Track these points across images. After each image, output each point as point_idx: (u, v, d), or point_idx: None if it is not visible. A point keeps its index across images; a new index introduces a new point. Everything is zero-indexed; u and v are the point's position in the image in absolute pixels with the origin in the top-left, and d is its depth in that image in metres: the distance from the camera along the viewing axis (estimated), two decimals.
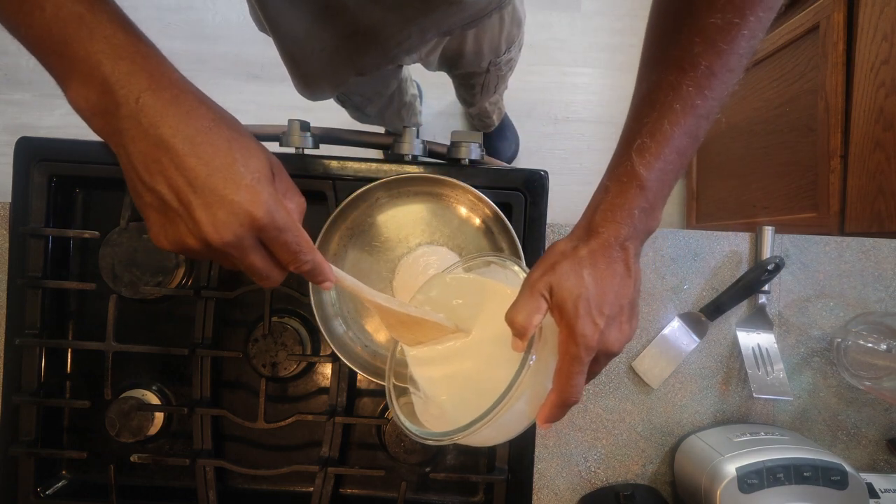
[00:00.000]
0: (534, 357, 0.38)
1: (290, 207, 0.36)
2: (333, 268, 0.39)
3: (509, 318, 0.39)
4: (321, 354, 0.64)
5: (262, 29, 0.65)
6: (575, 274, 0.37)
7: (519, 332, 0.38)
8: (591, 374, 0.40)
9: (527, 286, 0.39)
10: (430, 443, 0.41)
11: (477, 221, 0.61)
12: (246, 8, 0.63)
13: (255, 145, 0.33)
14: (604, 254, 0.38)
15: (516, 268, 0.45)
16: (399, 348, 0.49)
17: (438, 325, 0.46)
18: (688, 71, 0.36)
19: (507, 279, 0.47)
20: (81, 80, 0.30)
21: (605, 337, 0.38)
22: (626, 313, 0.39)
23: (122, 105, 0.30)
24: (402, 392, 0.46)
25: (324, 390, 0.65)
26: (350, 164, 0.62)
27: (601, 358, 0.39)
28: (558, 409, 0.39)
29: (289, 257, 0.35)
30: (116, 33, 0.30)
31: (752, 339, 0.65)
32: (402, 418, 0.43)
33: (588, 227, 0.39)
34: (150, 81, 0.30)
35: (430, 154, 0.66)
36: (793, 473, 0.54)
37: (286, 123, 0.63)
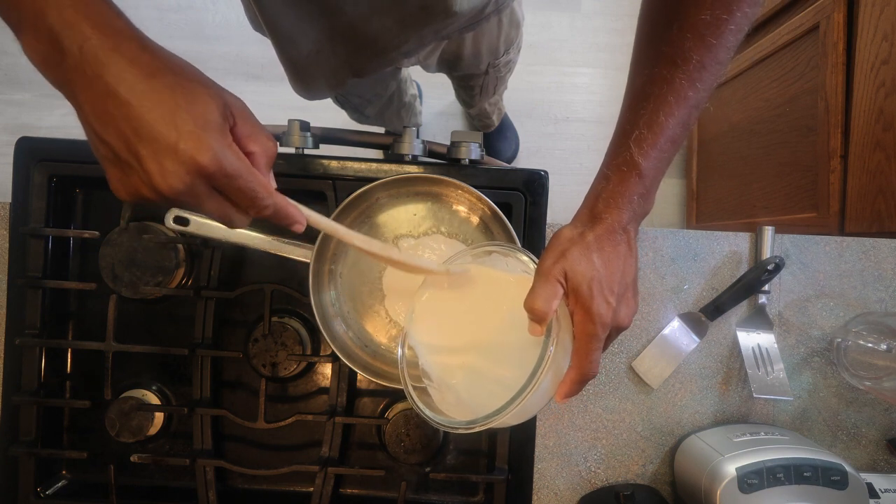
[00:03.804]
0: (554, 341, 0.40)
1: (254, 151, 0.35)
2: (304, 209, 0.39)
3: (528, 306, 0.40)
4: (321, 354, 0.64)
5: (257, 29, 0.65)
6: (586, 259, 0.40)
7: (539, 317, 0.40)
8: (604, 348, 0.42)
9: (541, 274, 0.40)
10: (459, 431, 0.42)
11: (477, 221, 0.61)
12: None
13: (204, 90, 0.32)
14: (609, 238, 0.41)
15: (525, 257, 0.45)
16: (407, 348, 0.49)
17: (422, 268, 0.47)
18: (680, 65, 0.39)
19: (508, 267, 0.48)
20: (31, 31, 0.30)
21: (617, 314, 0.41)
22: (631, 289, 0.42)
23: (67, 54, 0.29)
24: (419, 390, 0.47)
25: (324, 390, 0.65)
26: (350, 164, 0.62)
27: (613, 333, 0.42)
28: (578, 384, 0.41)
29: (246, 203, 0.34)
30: None
31: (752, 339, 0.65)
32: (427, 411, 0.44)
33: (591, 213, 0.42)
34: (93, 30, 0.30)
35: (430, 154, 0.66)
36: (793, 473, 0.54)
37: (286, 123, 0.63)
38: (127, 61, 0.30)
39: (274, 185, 0.37)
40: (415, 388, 0.47)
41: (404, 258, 0.46)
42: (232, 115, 0.34)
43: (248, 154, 0.35)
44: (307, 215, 0.39)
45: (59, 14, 0.29)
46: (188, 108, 0.31)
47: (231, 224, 0.36)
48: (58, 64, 0.30)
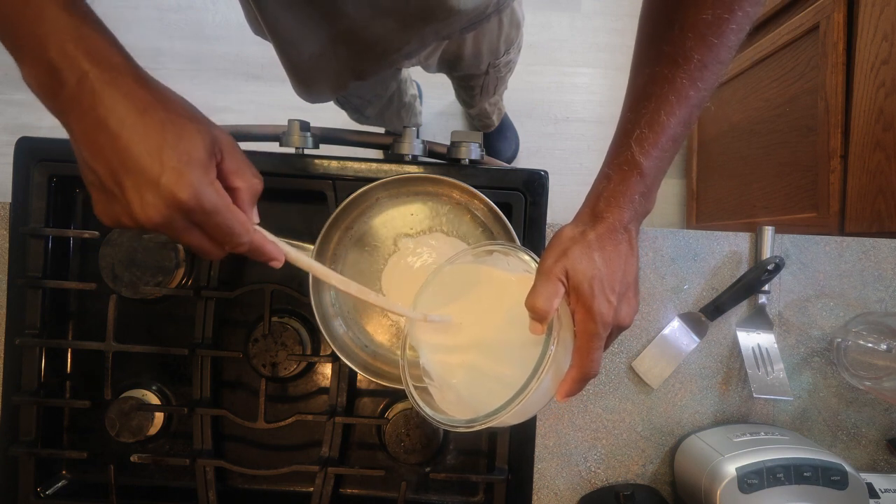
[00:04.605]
0: (555, 340, 0.40)
1: (239, 187, 0.36)
2: (284, 246, 0.40)
3: (530, 304, 0.40)
4: (321, 354, 0.64)
5: (258, 33, 0.65)
6: (587, 257, 0.40)
7: (540, 316, 0.40)
8: (605, 347, 0.42)
9: (542, 272, 0.41)
10: (460, 430, 0.42)
11: (477, 221, 0.61)
12: None
13: (193, 126, 0.33)
14: (610, 237, 0.41)
15: (526, 257, 0.45)
16: (408, 347, 0.49)
17: (398, 313, 0.48)
18: (681, 64, 0.39)
19: (509, 266, 0.48)
20: (31, 61, 0.31)
21: (618, 313, 0.41)
22: (632, 289, 0.42)
23: (65, 86, 0.31)
24: (420, 389, 0.47)
25: (324, 390, 0.65)
26: (350, 164, 0.62)
27: (614, 332, 0.42)
28: (579, 383, 0.41)
29: (223, 239, 0.35)
30: (60, 16, 0.30)
31: (752, 339, 0.65)
32: (426, 409, 0.44)
33: (593, 212, 0.42)
34: (92, 64, 0.31)
35: (430, 154, 0.66)
36: (793, 473, 0.54)
37: (286, 123, 0.63)
38: (121, 95, 0.31)
39: (256, 219, 0.38)
40: (415, 387, 0.47)
41: (381, 302, 0.46)
42: (220, 150, 0.35)
43: (232, 189, 0.36)
44: (286, 252, 0.40)
45: (59, 48, 0.30)
46: (175, 144, 0.32)
47: (206, 256, 0.37)
48: (55, 94, 0.31)
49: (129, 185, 0.32)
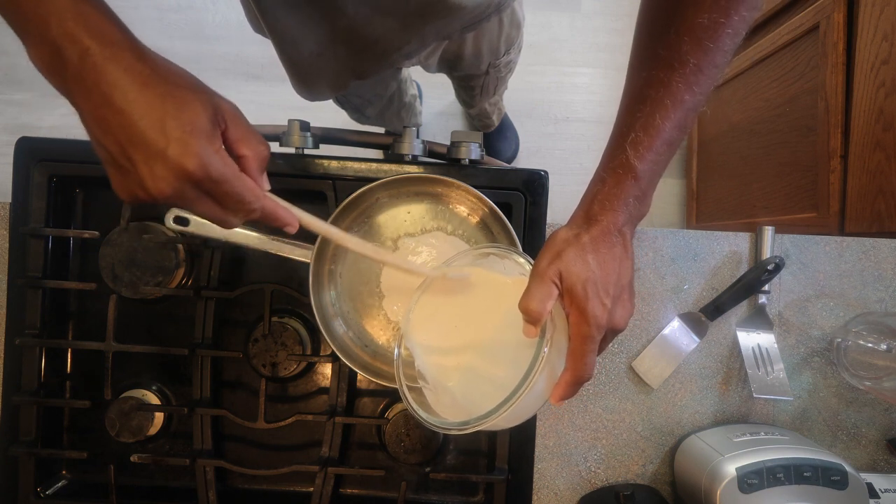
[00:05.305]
0: (548, 342, 0.40)
1: (245, 155, 0.36)
2: (297, 211, 0.40)
3: (523, 307, 0.40)
4: (321, 354, 0.64)
5: (258, 31, 0.65)
6: (581, 260, 0.40)
7: (534, 318, 0.40)
8: (600, 350, 0.42)
9: (536, 275, 0.41)
10: (453, 432, 0.42)
11: (477, 221, 0.61)
12: None
13: (194, 97, 0.33)
14: (604, 240, 0.41)
15: (521, 259, 0.45)
16: (403, 348, 0.49)
17: (416, 271, 0.48)
18: (677, 68, 0.39)
19: (505, 269, 0.48)
20: (35, 41, 0.31)
21: (612, 316, 0.41)
22: (627, 291, 0.42)
23: (68, 64, 0.31)
24: (415, 390, 0.47)
25: (324, 390, 0.65)
26: (350, 164, 0.62)
27: (609, 335, 0.42)
28: (573, 386, 0.41)
29: (234, 206, 0.36)
30: None
31: (752, 339, 0.65)
32: (420, 411, 0.44)
33: (587, 215, 0.42)
34: (92, 41, 0.31)
35: (430, 154, 0.66)
36: (793, 473, 0.54)
37: (286, 123, 0.63)
38: (122, 71, 0.31)
39: (267, 186, 0.38)
40: (410, 388, 0.47)
41: (398, 261, 0.47)
42: (224, 119, 0.35)
43: (239, 157, 0.36)
44: (300, 217, 0.40)
45: (60, 25, 0.30)
46: (177, 116, 0.32)
47: (222, 225, 0.37)
48: (60, 72, 0.31)
49: (138, 160, 0.32)
